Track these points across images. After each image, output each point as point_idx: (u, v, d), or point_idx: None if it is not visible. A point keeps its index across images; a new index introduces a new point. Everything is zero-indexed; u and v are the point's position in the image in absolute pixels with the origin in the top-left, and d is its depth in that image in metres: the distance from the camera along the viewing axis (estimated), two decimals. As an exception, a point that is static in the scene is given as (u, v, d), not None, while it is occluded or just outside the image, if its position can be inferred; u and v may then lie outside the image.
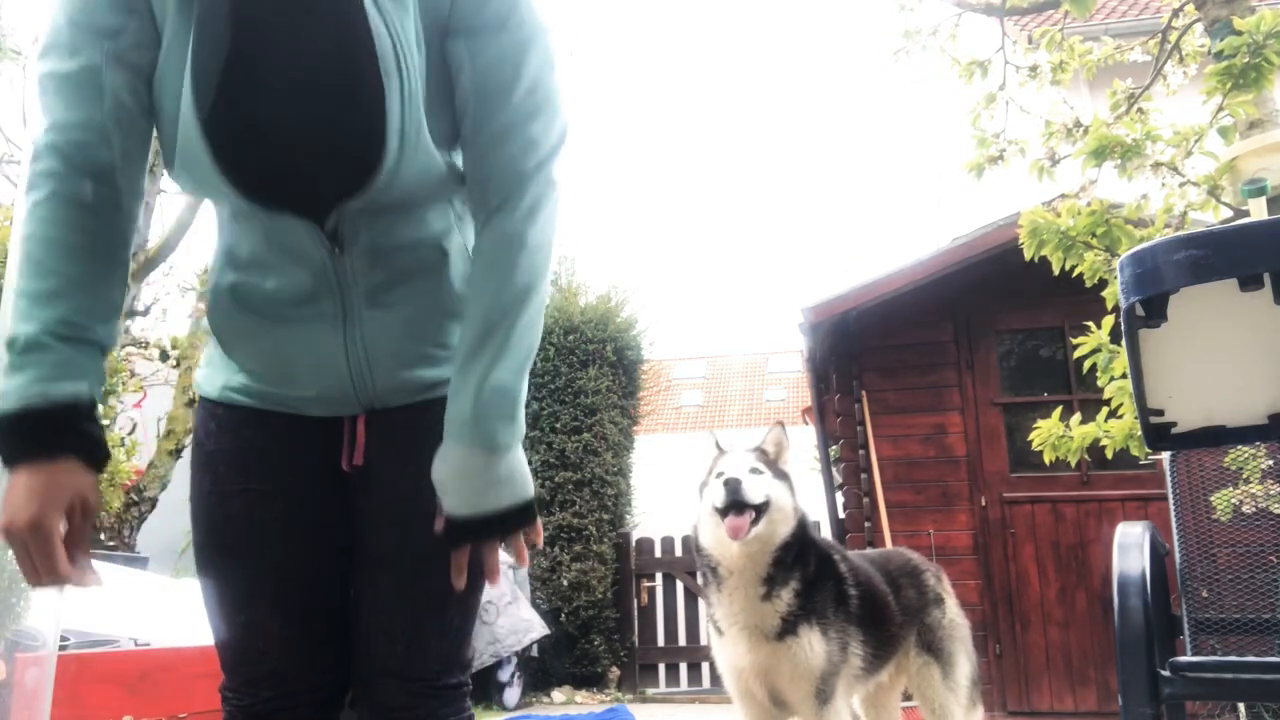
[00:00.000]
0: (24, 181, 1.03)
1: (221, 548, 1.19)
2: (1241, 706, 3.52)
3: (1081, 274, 3.20)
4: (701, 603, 2.61)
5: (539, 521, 1.14)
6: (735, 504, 2.31)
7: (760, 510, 2.34)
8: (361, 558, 1.20)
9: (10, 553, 0.97)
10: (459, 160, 1.15)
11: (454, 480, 1.08)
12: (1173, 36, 4.07)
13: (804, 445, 8.04)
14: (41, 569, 0.95)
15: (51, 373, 0.97)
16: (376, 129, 1.03)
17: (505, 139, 1.09)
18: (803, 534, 2.41)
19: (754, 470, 2.40)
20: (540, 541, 1.16)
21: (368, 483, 1.20)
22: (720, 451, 2.55)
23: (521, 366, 1.10)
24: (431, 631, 1.17)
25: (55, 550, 0.95)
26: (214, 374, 1.23)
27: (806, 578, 2.37)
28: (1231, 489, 2.16)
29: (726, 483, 2.32)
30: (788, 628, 2.32)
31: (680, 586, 7.31)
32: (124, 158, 1.03)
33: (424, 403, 1.20)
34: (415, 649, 1.16)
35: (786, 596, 2.34)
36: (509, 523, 1.09)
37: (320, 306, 1.14)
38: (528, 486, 1.11)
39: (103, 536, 6.56)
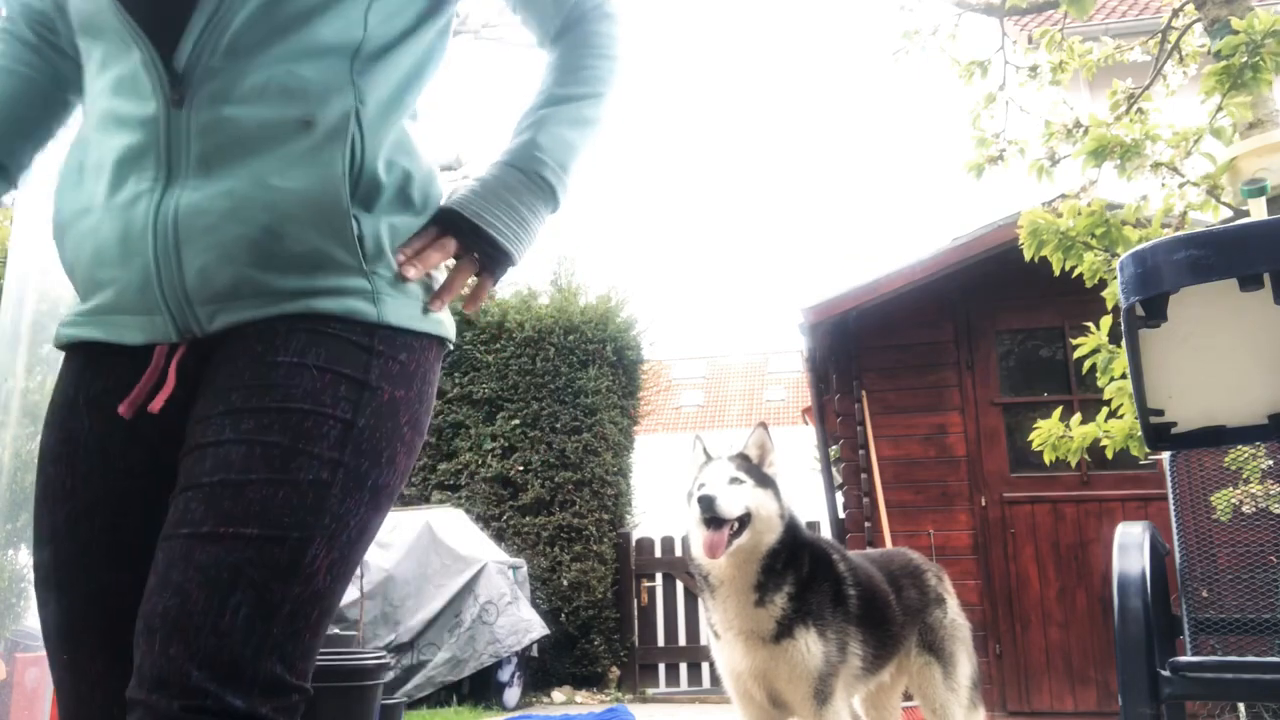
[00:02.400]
0: None
1: (38, 564, 1.00)
2: (1241, 706, 3.52)
3: (1081, 274, 3.20)
4: (701, 603, 2.60)
5: (497, 280, 1.07)
6: (712, 520, 2.29)
7: (742, 522, 2.32)
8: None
9: (10, 552, 0.97)
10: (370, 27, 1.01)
11: (479, 185, 1.04)
12: (1173, 36, 4.07)
13: (804, 445, 8.05)
14: None
15: None
16: None
17: None
18: (792, 538, 2.39)
19: (734, 480, 2.38)
20: (484, 294, 1.09)
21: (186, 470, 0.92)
22: (705, 459, 2.52)
23: (583, 130, 1.09)
24: (199, 622, 0.82)
25: None
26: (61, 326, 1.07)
27: (800, 580, 2.36)
28: (1231, 489, 2.16)
29: (701, 499, 2.30)
30: (783, 631, 2.32)
31: (680, 586, 7.31)
32: (56, 9, 1.09)
33: (261, 321, 0.94)
34: (171, 644, 0.82)
35: (780, 601, 2.33)
36: (497, 252, 1.03)
37: (143, 167, 0.96)
38: (523, 248, 1.05)
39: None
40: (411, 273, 0.98)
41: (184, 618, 0.82)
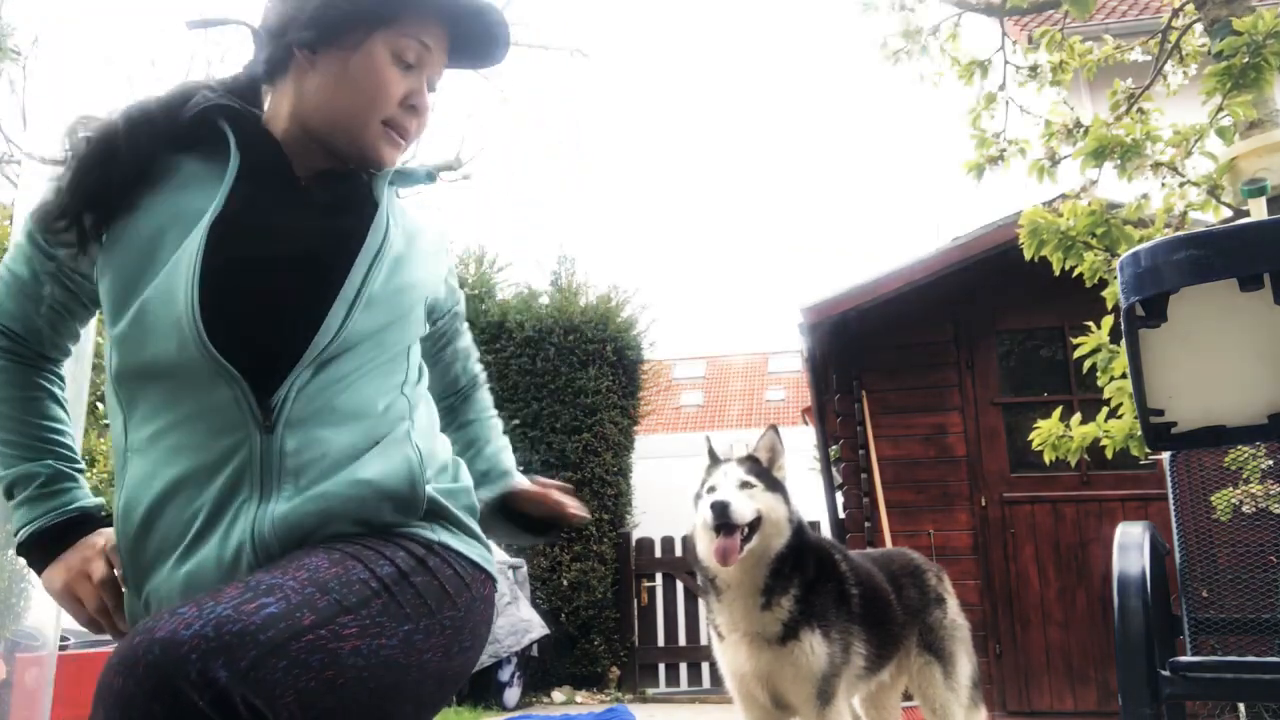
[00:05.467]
0: None
1: None
2: (1241, 706, 3.52)
3: (1081, 274, 3.20)
4: (702, 603, 2.60)
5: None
6: (724, 526, 2.29)
7: (752, 527, 2.32)
8: None
9: (10, 552, 1.00)
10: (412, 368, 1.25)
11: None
12: (1173, 36, 4.06)
13: (804, 445, 8.05)
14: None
15: (68, 497, 1.19)
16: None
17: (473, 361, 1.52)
18: (799, 541, 2.39)
19: (745, 484, 2.38)
20: None
21: None
22: (714, 461, 2.52)
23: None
24: None
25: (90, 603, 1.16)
26: None
27: (805, 582, 2.36)
28: (1231, 489, 2.16)
29: (714, 505, 2.30)
30: (789, 632, 2.32)
31: (680, 586, 7.31)
32: (51, 343, 1.24)
33: None
34: None
35: (786, 603, 2.33)
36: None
37: (237, 493, 1.06)
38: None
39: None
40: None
41: None
